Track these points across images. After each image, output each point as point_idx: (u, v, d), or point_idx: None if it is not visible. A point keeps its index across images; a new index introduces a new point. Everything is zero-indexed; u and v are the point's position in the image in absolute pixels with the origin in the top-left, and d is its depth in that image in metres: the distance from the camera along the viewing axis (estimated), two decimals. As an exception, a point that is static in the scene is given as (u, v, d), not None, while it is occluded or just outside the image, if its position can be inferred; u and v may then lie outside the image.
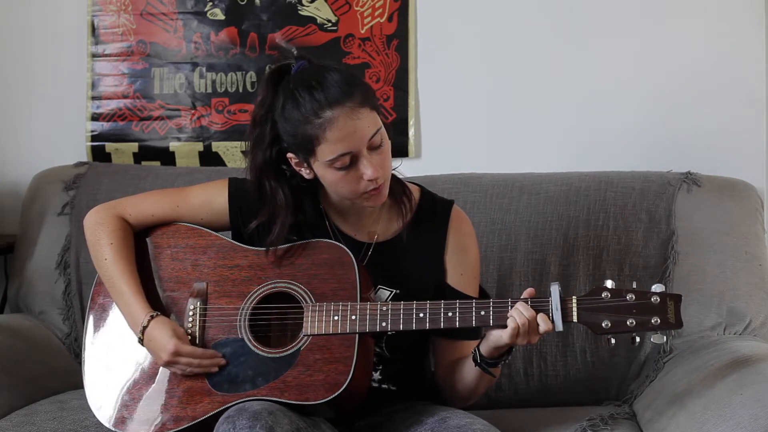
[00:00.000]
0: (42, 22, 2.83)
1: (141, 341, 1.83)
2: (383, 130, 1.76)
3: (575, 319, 1.68)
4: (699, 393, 1.89)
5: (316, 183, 1.83)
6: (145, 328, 1.81)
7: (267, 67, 2.71)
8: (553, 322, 1.68)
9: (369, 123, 1.73)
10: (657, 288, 1.67)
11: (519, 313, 1.68)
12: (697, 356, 2.11)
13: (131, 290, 1.85)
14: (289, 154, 1.79)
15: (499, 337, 1.70)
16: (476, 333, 1.86)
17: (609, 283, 1.69)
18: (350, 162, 1.72)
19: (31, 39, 2.84)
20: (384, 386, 1.87)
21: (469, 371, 1.82)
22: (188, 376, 1.81)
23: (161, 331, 1.80)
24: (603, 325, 1.67)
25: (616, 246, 2.30)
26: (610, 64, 2.60)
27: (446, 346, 1.91)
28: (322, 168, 1.75)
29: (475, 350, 1.77)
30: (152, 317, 1.82)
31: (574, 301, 1.69)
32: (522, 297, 1.72)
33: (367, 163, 1.73)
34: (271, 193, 1.83)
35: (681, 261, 2.27)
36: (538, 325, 1.67)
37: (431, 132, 2.69)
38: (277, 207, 1.83)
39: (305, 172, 1.80)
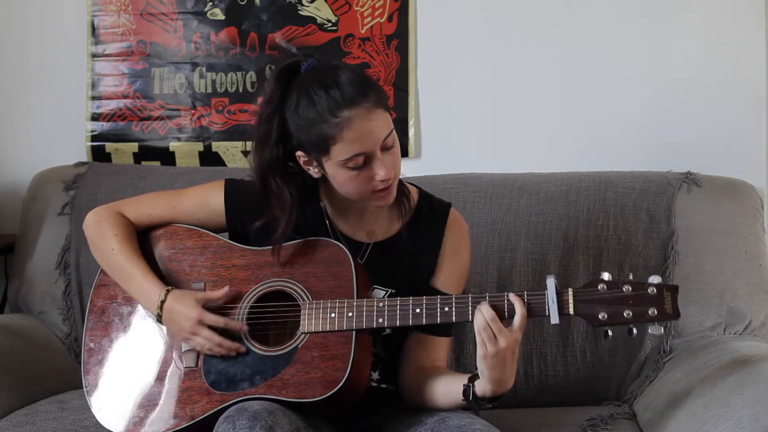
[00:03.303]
0: (42, 22, 2.83)
1: (160, 318, 1.82)
2: (394, 131, 1.76)
3: (572, 311, 1.67)
4: (699, 393, 1.89)
5: (317, 181, 1.83)
6: (163, 302, 1.81)
7: (267, 67, 2.71)
8: (549, 315, 1.67)
9: (383, 124, 1.73)
10: (653, 279, 1.66)
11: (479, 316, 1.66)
12: (697, 356, 2.11)
13: (142, 272, 1.85)
14: (299, 152, 1.78)
15: (481, 369, 1.67)
16: (449, 330, 1.87)
17: (605, 275, 1.68)
18: (363, 162, 1.72)
19: (31, 39, 2.84)
20: (383, 386, 1.87)
21: (443, 395, 1.78)
22: (186, 376, 1.81)
23: (182, 301, 1.80)
24: (599, 316, 1.66)
25: (616, 246, 2.30)
26: (610, 64, 2.60)
27: (418, 343, 1.87)
28: (335, 167, 1.74)
29: (468, 385, 1.73)
30: (168, 290, 1.82)
31: (571, 293, 1.67)
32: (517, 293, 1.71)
33: (380, 164, 1.73)
34: (277, 191, 1.81)
35: (681, 261, 2.27)
36: (507, 320, 1.66)
37: (431, 132, 2.69)
38: (283, 205, 1.82)
39: (314, 171, 1.80)
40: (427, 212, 1.91)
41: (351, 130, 1.69)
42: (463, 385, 1.73)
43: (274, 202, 1.82)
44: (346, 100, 1.69)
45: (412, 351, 1.88)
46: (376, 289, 1.85)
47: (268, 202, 1.83)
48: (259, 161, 1.81)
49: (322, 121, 1.70)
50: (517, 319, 1.66)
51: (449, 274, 1.89)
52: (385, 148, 1.73)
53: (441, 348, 1.88)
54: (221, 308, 1.83)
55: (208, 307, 1.81)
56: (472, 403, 1.73)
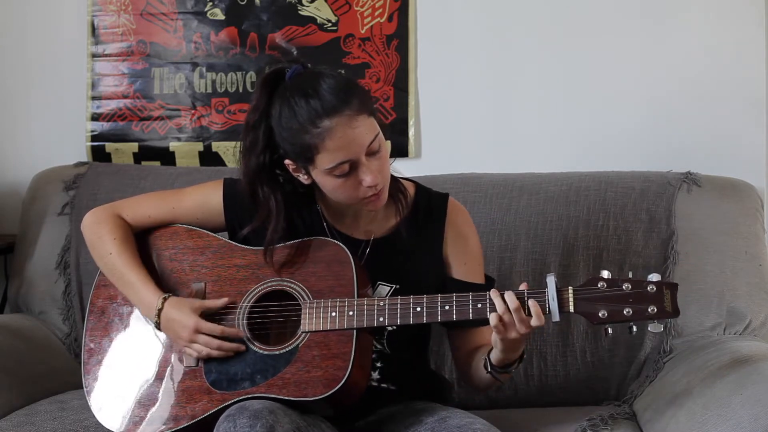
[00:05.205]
0: (42, 22, 2.83)
1: (158, 325, 1.82)
2: (381, 135, 1.76)
3: (572, 309, 1.67)
4: (699, 393, 1.89)
5: (310, 186, 1.83)
6: (160, 311, 1.81)
7: (267, 68, 2.71)
8: (549, 312, 1.67)
9: (367, 130, 1.72)
10: (653, 277, 1.67)
11: (499, 304, 1.67)
12: (697, 356, 2.11)
13: (140, 278, 1.85)
14: (287, 161, 1.79)
15: (495, 340, 1.71)
16: (482, 321, 1.87)
17: (605, 273, 1.69)
18: (349, 169, 1.72)
19: (31, 39, 2.84)
20: (384, 385, 1.87)
21: (482, 370, 1.82)
22: (186, 375, 1.81)
23: (179, 310, 1.80)
24: (600, 314, 1.66)
25: (616, 246, 2.30)
26: (610, 64, 2.60)
27: (461, 336, 1.91)
28: (321, 175, 1.75)
29: (485, 358, 1.78)
30: (165, 298, 1.82)
31: (571, 291, 1.68)
32: (519, 289, 1.71)
33: (366, 170, 1.73)
34: (263, 198, 1.82)
35: (681, 261, 2.27)
36: (528, 315, 1.67)
37: (431, 132, 2.69)
38: (269, 212, 1.82)
39: (303, 178, 1.80)
40: (425, 205, 1.92)
41: (333, 139, 1.69)
42: (483, 359, 1.80)
43: (261, 210, 1.83)
44: (326, 109, 1.69)
45: (455, 340, 1.92)
46: (380, 285, 1.85)
47: (256, 209, 1.83)
48: (246, 168, 1.82)
49: (304, 132, 1.70)
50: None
51: (466, 259, 1.90)
52: (371, 153, 1.73)
53: (481, 334, 1.88)
54: (220, 309, 1.83)
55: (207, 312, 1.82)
56: (492, 374, 1.78)
